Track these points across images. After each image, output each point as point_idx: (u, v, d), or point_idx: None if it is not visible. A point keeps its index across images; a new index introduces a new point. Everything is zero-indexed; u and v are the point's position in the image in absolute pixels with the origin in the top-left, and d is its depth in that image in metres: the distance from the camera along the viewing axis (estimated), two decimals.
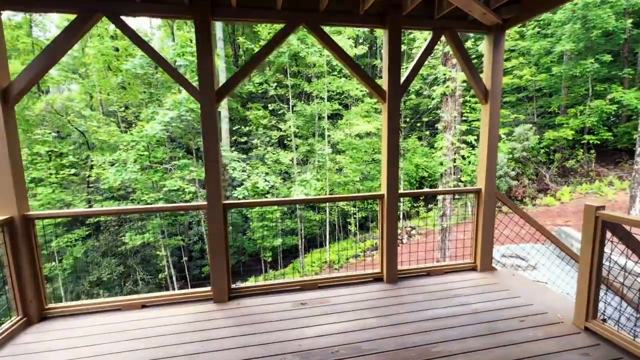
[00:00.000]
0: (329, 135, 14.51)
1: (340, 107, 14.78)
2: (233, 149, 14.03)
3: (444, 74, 8.82)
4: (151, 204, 11.12)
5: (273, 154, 13.55)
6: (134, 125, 13.28)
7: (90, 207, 12.18)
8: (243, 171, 12.07)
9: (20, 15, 14.95)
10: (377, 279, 3.56)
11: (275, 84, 14.16)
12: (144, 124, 10.73)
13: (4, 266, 2.74)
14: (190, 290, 3.27)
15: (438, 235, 10.18)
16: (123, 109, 15.06)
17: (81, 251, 11.75)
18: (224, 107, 14.63)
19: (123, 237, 12.15)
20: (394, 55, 3.12)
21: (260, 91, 14.51)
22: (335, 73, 14.09)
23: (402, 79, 3.16)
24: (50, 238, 10.85)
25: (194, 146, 13.31)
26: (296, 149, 14.70)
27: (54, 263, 10.90)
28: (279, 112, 14.68)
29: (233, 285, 3.30)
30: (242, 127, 14.64)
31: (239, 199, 11.80)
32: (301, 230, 14.73)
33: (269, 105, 14.59)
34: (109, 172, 10.44)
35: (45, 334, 2.73)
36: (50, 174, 11.23)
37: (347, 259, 14.76)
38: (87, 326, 2.82)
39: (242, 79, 3.13)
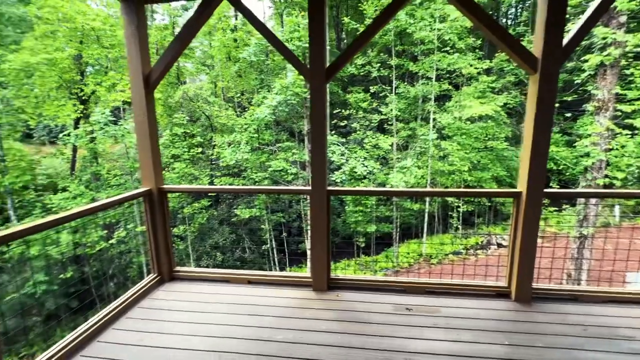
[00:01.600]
0: (434, 119, 13.22)
1: (449, 88, 13.23)
2: (332, 132, 14.15)
3: (604, 38, 6.71)
4: (258, 182, 12.19)
5: (372, 138, 13.13)
6: (247, 109, 14.67)
7: (212, 182, 14.12)
8: (342, 155, 12.07)
9: (167, 19, 17.94)
10: (502, 294, 2.92)
11: (379, 64, 13.51)
12: (255, 108, 11.68)
13: (144, 231, 3.20)
14: (291, 273, 3.28)
15: (572, 243, 8.23)
16: (239, 94, 16.76)
17: (205, 218, 13.84)
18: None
19: (235, 210, 13.78)
20: (554, 4, 2.31)
21: (362, 73, 14.10)
22: (448, 48, 12.55)
23: (566, 39, 2.35)
24: (183, 205, 13.04)
25: (296, 129, 13.93)
26: (397, 133, 13.92)
27: (185, 226, 13.13)
28: (381, 95, 14.04)
29: (332, 275, 3.16)
30: (342, 110, 14.59)
31: (337, 183, 11.90)
32: (396, 218, 14.11)
33: (371, 87, 14.07)
34: (227, 152, 11.79)
35: (173, 293, 3.11)
36: (184, 151, 13.39)
37: (447, 254, 13.53)
38: (204, 292, 3.09)
39: (351, 56, 2.83)
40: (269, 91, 12.19)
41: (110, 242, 11.78)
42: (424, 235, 14.18)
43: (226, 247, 14.47)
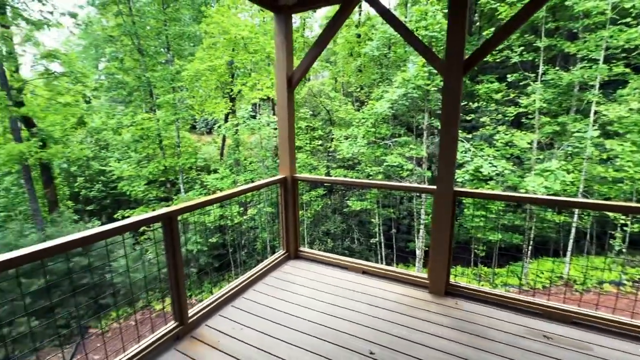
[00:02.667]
0: (596, 112, 10.53)
1: (626, 71, 10.26)
2: None
3: None
4: (372, 176, 12.31)
5: (505, 134, 11.43)
6: (365, 103, 14.89)
7: (328, 172, 15.03)
8: (465, 152, 10.99)
9: (297, 21, 19.71)
10: None
11: (521, 48, 11.56)
12: (374, 102, 11.75)
13: (272, 212, 3.71)
14: (406, 271, 3.25)
15: None
16: (358, 89, 17.13)
17: (320, 205, 14.91)
18: None
19: (348, 201, 14.33)
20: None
21: (498, 60, 12.34)
22: (629, 20, 9.73)
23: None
24: (302, 192, 14.35)
25: (414, 124, 13.37)
26: (539, 129, 11.72)
27: (302, 212, 14.45)
28: (520, 84, 12.01)
29: (452, 281, 2.99)
30: (469, 103, 13.15)
31: (458, 183, 10.93)
32: (530, 229, 12.02)
33: (508, 76, 12.18)
34: (344, 145, 12.31)
35: (298, 269, 3.53)
36: (306, 143, 14.64)
37: (601, 283, 10.79)
38: (325, 274, 3.39)
39: (494, 47, 2.54)
40: (389, 85, 12.04)
41: (244, 217, 14.05)
42: (568, 254, 11.63)
43: (337, 235, 15.26)
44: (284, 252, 3.73)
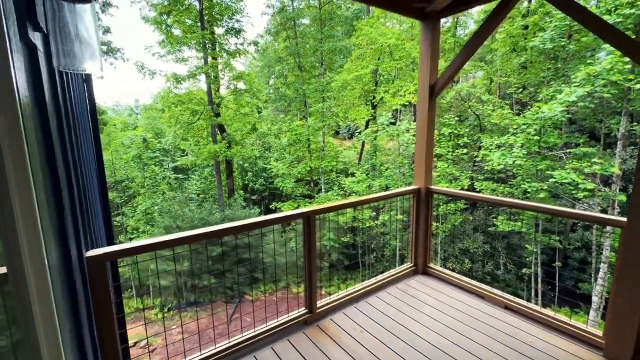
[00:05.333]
0: None
1: None
2: None
3: None
4: (531, 194, 10.25)
5: None
6: (528, 107, 12.53)
7: (472, 184, 13.43)
8: None
9: (449, 21, 18.41)
10: None
11: None
12: (541, 104, 9.72)
13: (404, 221, 3.60)
14: (568, 320, 2.57)
15: None
16: (520, 90, 14.59)
17: (458, 220, 13.51)
18: None
19: (494, 219, 12.41)
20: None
21: None
22: None
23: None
24: (439, 203, 13.36)
25: (603, 130, 10.32)
26: None
27: (437, 224, 13.45)
28: None
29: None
30: None
31: None
32: None
33: None
34: (494, 155, 10.75)
35: (425, 286, 3.33)
36: (448, 151, 13.54)
37: None
38: (455, 299, 3.08)
39: None
40: (564, 83, 9.70)
41: (376, 222, 14.23)
42: None
43: (477, 256, 13.46)
44: (411, 265, 3.60)
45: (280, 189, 17.46)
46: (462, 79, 20.46)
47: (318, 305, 2.78)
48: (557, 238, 11.34)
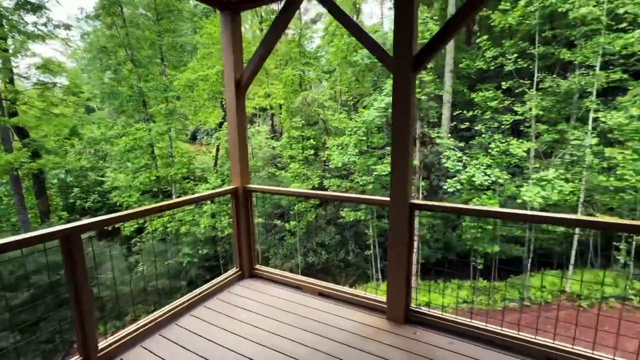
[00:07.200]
0: (595, 119, 10.16)
1: (624, 77, 9.91)
2: (449, 136, 12.63)
3: None
4: (363, 185, 11.97)
5: (501, 142, 11.07)
6: (358, 112, 14.66)
7: (321, 182, 14.70)
8: (458, 161, 10.62)
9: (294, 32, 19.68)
10: None
11: (515, 55, 11.29)
12: (364, 110, 11.51)
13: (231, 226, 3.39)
14: (365, 293, 2.90)
15: None
16: (353, 98, 16.97)
17: (313, 216, 14.54)
18: (447, 92, 13.33)
19: (341, 211, 13.95)
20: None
21: (493, 67, 12.07)
22: (624, 25, 9.44)
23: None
24: (294, 202, 14.03)
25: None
26: (536, 137, 11.36)
27: (291, 222, 14.08)
28: (516, 91, 11.70)
29: (413, 306, 2.63)
30: (465, 111, 12.85)
31: (449, 193, 10.55)
32: (529, 241, 11.52)
33: (502, 83, 11.89)
34: (335, 154, 12.04)
35: (249, 290, 3.18)
36: (299, 152, 14.40)
37: (605, 298, 10.21)
38: (277, 296, 3.04)
39: (447, 39, 2.25)
40: (379, 93, 11.80)
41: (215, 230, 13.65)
42: (570, 268, 11.09)
43: (331, 247, 14.82)
44: (236, 270, 3.40)
45: (120, 204, 14.65)
46: (314, 87, 22.22)
47: (101, 347, 2.19)
48: (386, 222, 13.69)
